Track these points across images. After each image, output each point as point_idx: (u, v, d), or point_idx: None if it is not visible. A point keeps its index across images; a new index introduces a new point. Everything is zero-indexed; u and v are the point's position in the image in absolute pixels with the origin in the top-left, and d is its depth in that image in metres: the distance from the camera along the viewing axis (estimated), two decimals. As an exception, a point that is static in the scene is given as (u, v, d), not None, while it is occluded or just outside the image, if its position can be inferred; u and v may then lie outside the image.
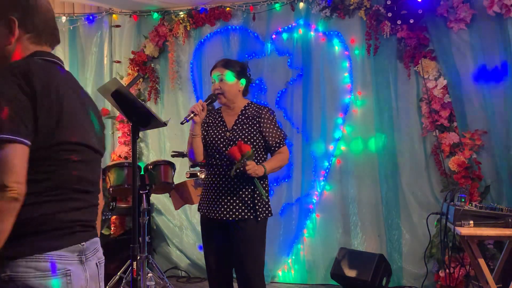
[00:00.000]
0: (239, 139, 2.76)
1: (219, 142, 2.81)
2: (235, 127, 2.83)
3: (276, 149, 2.84)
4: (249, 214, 2.75)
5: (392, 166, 4.54)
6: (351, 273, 4.29)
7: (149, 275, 3.74)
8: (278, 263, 4.80)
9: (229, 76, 2.82)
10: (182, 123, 2.72)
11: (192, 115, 2.70)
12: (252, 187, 2.76)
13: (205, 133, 2.88)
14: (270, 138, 2.84)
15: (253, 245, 2.77)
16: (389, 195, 4.54)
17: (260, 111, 2.85)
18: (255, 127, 2.82)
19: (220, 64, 2.86)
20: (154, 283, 3.72)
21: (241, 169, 2.63)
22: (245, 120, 2.84)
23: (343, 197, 4.69)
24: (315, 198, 4.75)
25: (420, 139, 4.48)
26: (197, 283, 4.79)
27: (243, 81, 2.87)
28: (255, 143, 2.79)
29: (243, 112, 2.87)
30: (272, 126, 2.84)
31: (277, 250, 4.78)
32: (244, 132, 2.80)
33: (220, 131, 2.84)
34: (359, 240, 4.62)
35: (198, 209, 2.96)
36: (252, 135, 2.80)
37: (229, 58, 3.04)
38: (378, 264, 4.23)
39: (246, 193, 2.76)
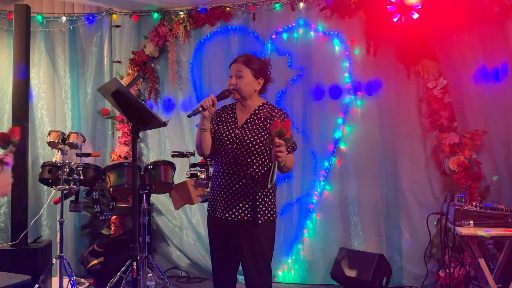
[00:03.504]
0: (246, 138, 2.68)
1: (226, 139, 2.74)
2: (245, 126, 2.74)
3: None
4: (250, 216, 2.66)
5: (392, 166, 4.54)
6: (351, 273, 4.29)
7: (149, 275, 3.73)
8: (278, 263, 4.79)
9: (247, 75, 2.73)
10: (188, 116, 2.65)
11: (200, 109, 2.63)
12: (255, 188, 2.68)
13: (216, 128, 2.81)
14: None
15: (254, 249, 2.67)
16: (389, 195, 4.54)
17: (274, 113, 2.75)
18: (264, 128, 2.72)
19: (241, 60, 2.76)
20: (154, 283, 3.72)
21: (272, 145, 2.44)
22: (256, 120, 2.75)
23: (343, 197, 4.69)
24: (315, 198, 4.75)
25: (420, 139, 4.48)
26: (197, 283, 4.79)
27: (261, 81, 2.80)
28: (261, 144, 2.67)
29: (256, 111, 2.78)
30: None
31: (277, 250, 4.77)
32: (252, 132, 2.70)
33: (230, 128, 2.77)
34: (359, 240, 4.61)
35: (207, 209, 2.90)
36: (260, 135, 2.69)
37: (243, 55, 2.85)
38: (378, 264, 4.23)
39: (248, 194, 2.67)
